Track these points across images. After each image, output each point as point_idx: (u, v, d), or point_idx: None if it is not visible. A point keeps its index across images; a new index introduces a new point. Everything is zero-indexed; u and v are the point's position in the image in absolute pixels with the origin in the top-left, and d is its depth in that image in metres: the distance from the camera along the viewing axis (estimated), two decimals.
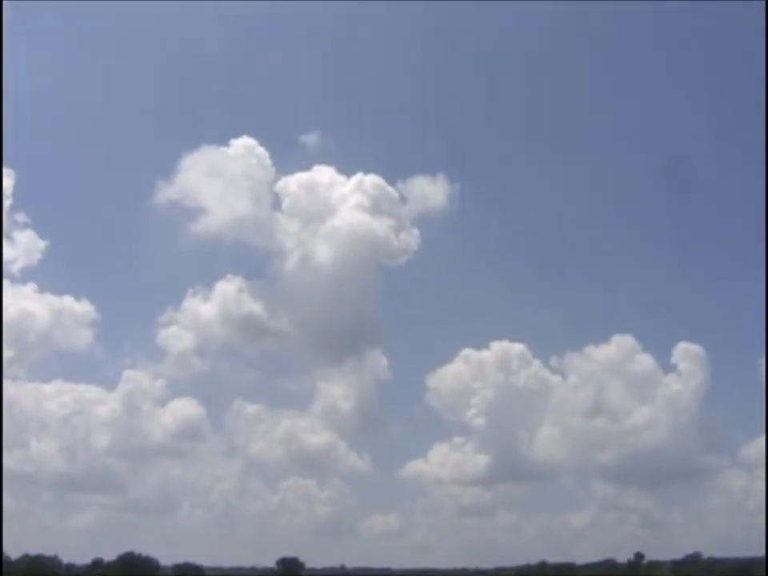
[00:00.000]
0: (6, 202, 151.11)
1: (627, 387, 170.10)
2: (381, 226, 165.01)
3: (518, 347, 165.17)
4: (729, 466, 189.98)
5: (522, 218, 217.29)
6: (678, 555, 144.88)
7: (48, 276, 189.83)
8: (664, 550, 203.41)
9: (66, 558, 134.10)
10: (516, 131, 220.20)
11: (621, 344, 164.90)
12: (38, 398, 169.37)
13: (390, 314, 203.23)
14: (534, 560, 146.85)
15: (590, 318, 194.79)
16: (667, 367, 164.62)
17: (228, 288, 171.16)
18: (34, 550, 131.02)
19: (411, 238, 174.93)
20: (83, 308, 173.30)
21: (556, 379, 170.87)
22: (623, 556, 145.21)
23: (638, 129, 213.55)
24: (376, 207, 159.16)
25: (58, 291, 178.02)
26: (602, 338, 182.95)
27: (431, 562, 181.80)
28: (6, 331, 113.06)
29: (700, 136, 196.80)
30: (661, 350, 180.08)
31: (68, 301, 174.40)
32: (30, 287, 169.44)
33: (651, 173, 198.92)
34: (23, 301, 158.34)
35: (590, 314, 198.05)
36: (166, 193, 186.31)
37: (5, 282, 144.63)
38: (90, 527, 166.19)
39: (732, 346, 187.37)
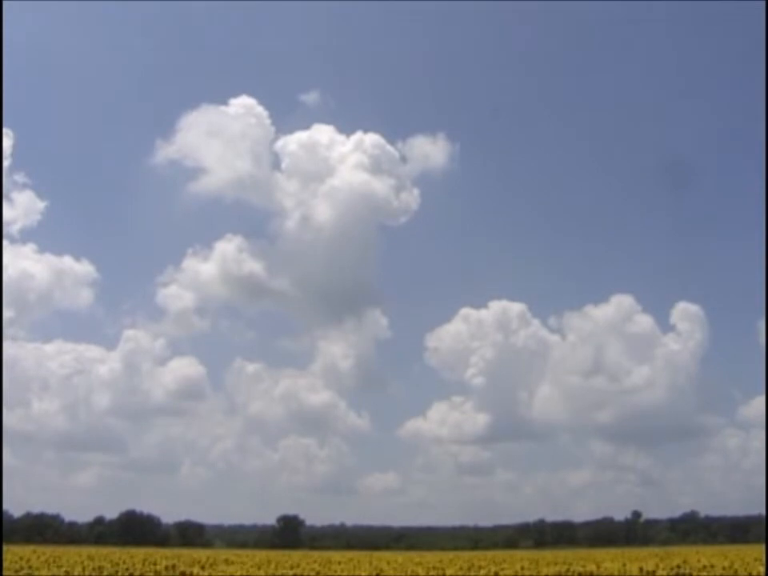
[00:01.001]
0: (5, 163, 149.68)
1: (626, 347, 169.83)
2: (381, 185, 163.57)
3: (517, 307, 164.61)
4: (726, 425, 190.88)
5: (522, 178, 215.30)
6: (675, 514, 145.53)
7: (47, 236, 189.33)
8: (661, 508, 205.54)
9: (67, 516, 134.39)
10: (517, 91, 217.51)
11: (620, 304, 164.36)
12: (38, 357, 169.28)
13: (389, 274, 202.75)
14: (532, 518, 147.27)
15: (590, 278, 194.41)
16: (666, 327, 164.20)
17: (228, 248, 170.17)
18: (36, 509, 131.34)
19: (411, 197, 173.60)
20: (83, 268, 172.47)
21: (555, 339, 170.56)
22: (621, 514, 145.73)
23: (640, 91, 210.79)
24: (376, 167, 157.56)
25: (58, 251, 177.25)
26: (602, 297, 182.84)
27: (430, 520, 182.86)
28: (5, 291, 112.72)
29: (699, 111, 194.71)
30: (660, 310, 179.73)
31: (68, 261, 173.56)
32: (30, 248, 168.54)
33: (653, 133, 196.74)
34: (23, 261, 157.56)
35: (589, 274, 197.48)
36: (166, 152, 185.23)
37: (4, 243, 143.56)
38: (91, 486, 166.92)
39: (731, 307, 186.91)
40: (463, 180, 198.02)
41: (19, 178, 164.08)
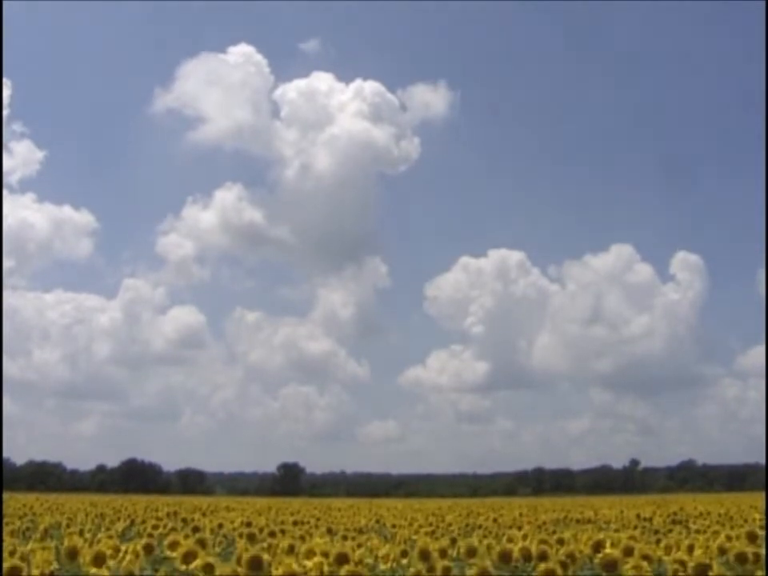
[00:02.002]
0: (3, 112, 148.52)
1: (625, 296, 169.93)
2: (381, 133, 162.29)
3: (516, 255, 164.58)
4: (724, 375, 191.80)
5: (523, 126, 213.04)
6: (673, 462, 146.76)
7: (47, 186, 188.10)
8: (659, 456, 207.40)
9: (69, 465, 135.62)
10: (518, 39, 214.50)
11: (620, 253, 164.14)
12: (38, 307, 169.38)
13: (389, 222, 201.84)
14: (530, 466, 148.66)
15: (589, 227, 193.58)
16: (666, 277, 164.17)
17: (227, 196, 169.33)
18: (38, 457, 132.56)
19: (412, 146, 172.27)
20: (83, 217, 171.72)
21: (554, 288, 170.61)
22: (619, 462, 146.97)
23: (641, 43, 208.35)
24: (376, 115, 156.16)
25: (57, 201, 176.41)
26: (601, 247, 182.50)
27: (429, 468, 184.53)
28: (5, 241, 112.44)
29: (703, 58, 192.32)
30: (659, 259, 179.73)
31: (67, 210, 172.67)
32: (29, 197, 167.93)
33: (653, 81, 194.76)
34: (22, 211, 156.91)
35: (589, 223, 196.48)
36: (164, 101, 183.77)
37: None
38: (92, 434, 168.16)
39: (731, 257, 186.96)
40: (464, 129, 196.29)
41: (17, 127, 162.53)
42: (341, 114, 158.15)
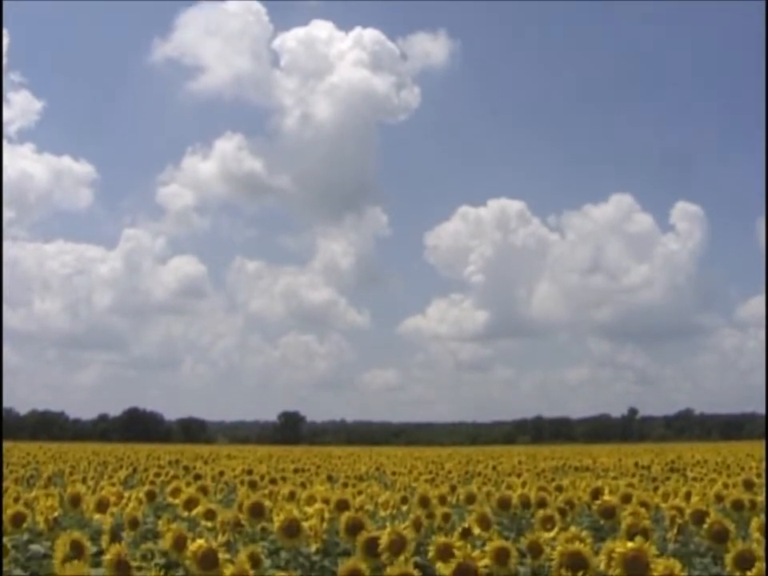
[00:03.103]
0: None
1: (625, 246, 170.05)
2: (381, 82, 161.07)
3: (516, 205, 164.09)
4: (723, 325, 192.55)
5: (523, 76, 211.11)
6: (671, 411, 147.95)
7: (45, 137, 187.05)
8: (657, 405, 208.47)
9: (72, 414, 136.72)
10: None
11: (619, 203, 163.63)
12: (39, 258, 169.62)
13: (389, 172, 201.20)
14: (530, 414, 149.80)
15: (590, 176, 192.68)
16: (665, 227, 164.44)
17: (227, 146, 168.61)
18: (41, 406, 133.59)
19: (412, 95, 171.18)
20: (82, 168, 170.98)
21: (554, 237, 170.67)
22: (617, 411, 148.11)
23: None
24: (376, 64, 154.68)
25: (57, 152, 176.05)
26: (601, 196, 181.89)
27: (429, 416, 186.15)
28: (4, 192, 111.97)
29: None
30: (659, 209, 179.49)
31: (67, 161, 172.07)
32: (28, 148, 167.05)
33: (654, 31, 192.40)
34: (21, 161, 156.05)
35: (589, 172, 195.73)
36: (163, 51, 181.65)
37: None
38: (94, 383, 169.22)
39: (731, 206, 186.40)
40: (464, 78, 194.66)
41: (15, 77, 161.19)
42: (341, 62, 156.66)
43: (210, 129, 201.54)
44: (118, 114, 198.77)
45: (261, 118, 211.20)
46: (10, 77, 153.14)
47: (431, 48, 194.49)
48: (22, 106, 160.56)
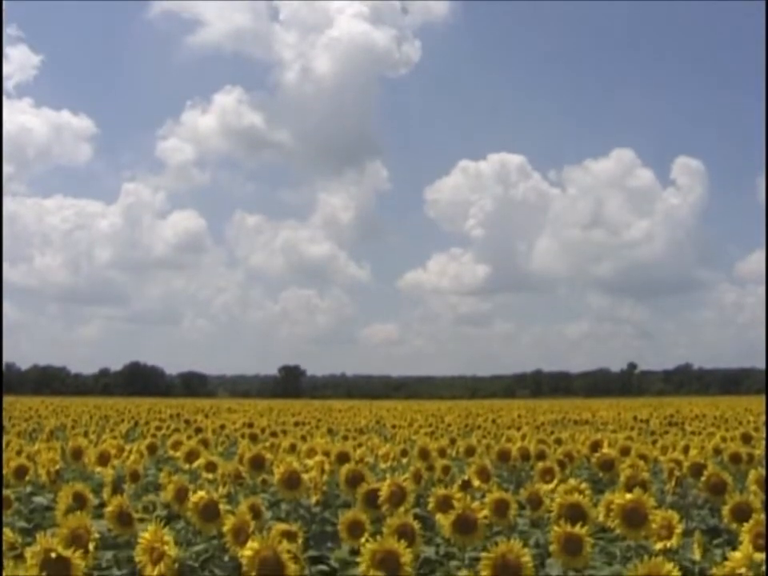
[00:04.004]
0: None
1: (626, 201, 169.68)
2: (381, 36, 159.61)
3: (516, 159, 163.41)
4: (723, 280, 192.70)
5: (524, 31, 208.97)
6: (670, 365, 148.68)
7: (44, 91, 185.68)
8: (656, 360, 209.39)
9: (73, 369, 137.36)
10: None
11: (620, 158, 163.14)
12: (39, 213, 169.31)
13: (389, 126, 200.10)
14: (529, 369, 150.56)
15: (590, 131, 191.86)
16: (666, 182, 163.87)
17: (227, 100, 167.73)
18: (42, 361, 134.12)
19: (412, 49, 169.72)
20: (81, 123, 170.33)
21: (555, 192, 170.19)
22: (617, 365, 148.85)
23: None
24: (376, 17, 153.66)
25: (55, 106, 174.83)
26: (602, 151, 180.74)
27: (429, 370, 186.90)
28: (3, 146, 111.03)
29: None
30: (660, 164, 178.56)
31: (66, 116, 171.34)
32: (26, 102, 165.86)
33: None
34: (20, 116, 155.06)
35: (590, 127, 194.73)
36: (162, 4, 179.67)
37: None
38: (95, 338, 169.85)
39: (731, 162, 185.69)
40: (465, 32, 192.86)
41: (12, 31, 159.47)
42: (341, 16, 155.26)
43: (210, 83, 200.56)
44: (117, 67, 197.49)
45: (260, 72, 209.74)
46: (7, 31, 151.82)
47: (432, 2, 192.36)
48: (20, 60, 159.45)
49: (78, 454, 7.16)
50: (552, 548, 3.72)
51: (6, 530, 3.74)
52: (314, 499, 5.95)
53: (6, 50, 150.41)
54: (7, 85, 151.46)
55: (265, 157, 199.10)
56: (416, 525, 3.80)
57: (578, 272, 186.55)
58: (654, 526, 3.96)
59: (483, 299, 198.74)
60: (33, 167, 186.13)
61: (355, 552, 3.89)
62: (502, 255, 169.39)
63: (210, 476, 6.29)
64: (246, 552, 3.19)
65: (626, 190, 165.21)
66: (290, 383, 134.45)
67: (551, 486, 5.57)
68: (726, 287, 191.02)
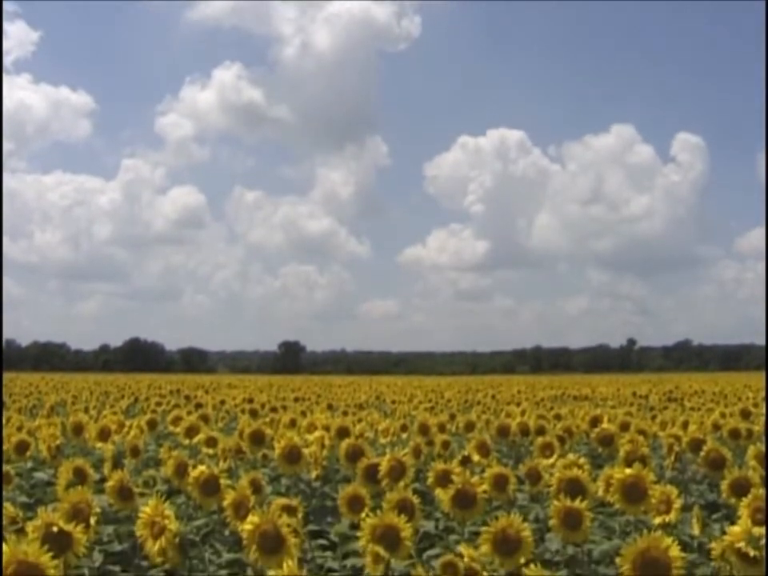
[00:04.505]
0: None
1: (626, 177, 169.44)
2: (381, 11, 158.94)
3: (516, 135, 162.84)
4: (722, 256, 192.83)
5: (525, 6, 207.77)
6: (670, 342, 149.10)
7: (42, 67, 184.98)
8: (656, 336, 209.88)
9: (73, 345, 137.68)
10: None
11: (620, 134, 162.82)
12: (38, 189, 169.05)
13: (389, 101, 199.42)
14: (529, 344, 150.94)
15: (591, 106, 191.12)
16: (666, 158, 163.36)
17: (226, 75, 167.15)
18: (43, 338, 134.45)
19: (412, 25, 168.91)
20: (80, 99, 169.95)
21: (555, 168, 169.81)
22: (616, 341, 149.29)
23: None
24: None
25: (54, 82, 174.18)
26: (602, 127, 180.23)
27: (429, 346, 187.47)
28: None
29: None
30: (660, 140, 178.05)
31: (64, 92, 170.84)
32: (25, 78, 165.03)
33: None
34: (19, 92, 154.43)
35: (590, 102, 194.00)
36: None
37: None
38: (95, 314, 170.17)
39: (732, 138, 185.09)
40: (464, 8, 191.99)
41: (10, 6, 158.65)
42: None
43: (209, 58, 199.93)
44: (116, 43, 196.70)
45: (260, 48, 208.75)
46: (4, 7, 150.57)
47: None
48: (18, 36, 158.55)
49: (78, 429, 7.18)
50: (551, 522, 3.73)
51: (8, 505, 3.75)
52: (314, 474, 5.97)
53: (4, 25, 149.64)
54: (6, 61, 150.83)
55: (264, 132, 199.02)
56: (415, 499, 3.81)
57: (578, 248, 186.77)
58: (653, 500, 3.97)
59: (483, 275, 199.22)
60: (32, 143, 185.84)
61: (355, 526, 3.90)
62: (501, 231, 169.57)
63: (211, 451, 6.30)
64: (247, 526, 3.20)
65: (626, 166, 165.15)
66: (290, 359, 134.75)
67: (550, 460, 5.58)
68: (726, 263, 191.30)
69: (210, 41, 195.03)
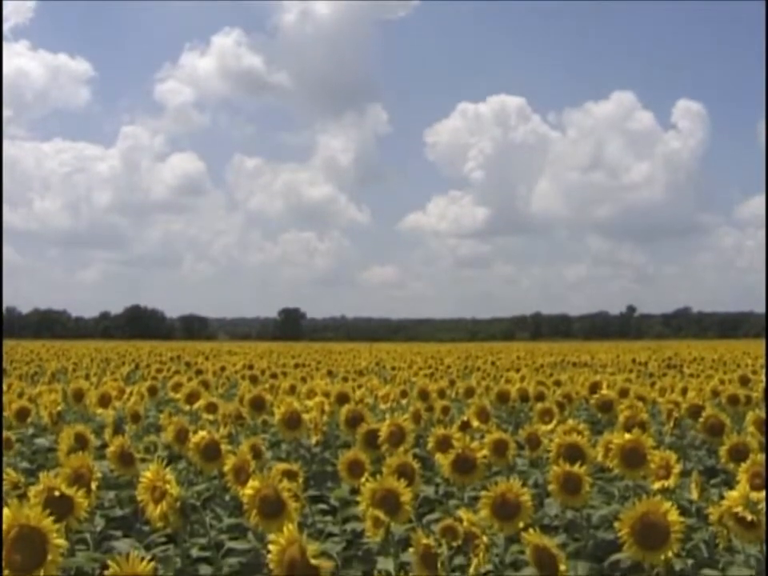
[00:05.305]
0: None
1: (626, 144, 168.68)
2: None
3: (516, 101, 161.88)
4: (722, 224, 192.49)
5: None
6: (669, 309, 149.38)
7: (41, 34, 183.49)
8: (655, 303, 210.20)
9: (74, 312, 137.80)
10: None
11: (621, 100, 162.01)
12: (37, 156, 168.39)
13: (389, 68, 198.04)
14: (529, 311, 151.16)
15: (591, 73, 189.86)
16: (667, 125, 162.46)
17: (226, 42, 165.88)
18: (43, 305, 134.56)
19: None
20: (79, 66, 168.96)
21: (555, 134, 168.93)
22: (616, 309, 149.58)
23: None
24: None
25: (52, 49, 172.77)
26: (602, 94, 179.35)
27: (429, 312, 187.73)
28: None
29: None
30: (661, 107, 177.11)
31: (63, 59, 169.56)
32: (23, 44, 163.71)
33: None
34: (17, 59, 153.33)
35: (590, 69, 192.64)
36: None
37: None
38: (96, 282, 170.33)
39: (733, 106, 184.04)
40: None
41: None
42: None
43: (208, 24, 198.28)
44: (114, 10, 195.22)
45: (259, 14, 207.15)
46: None
47: None
48: (16, 2, 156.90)
49: (79, 396, 7.20)
50: (551, 487, 3.75)
51: (9, 470, 3.76)
52: (314, 439, 5.99)
53: None
54: (3, 28, 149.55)
55: (264, 99, 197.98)
56: (415, 464, 3.83)
57: (578, 215, 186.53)
58: (652, 466, 3.99)
59: (483, 241, 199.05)
60: (31, 111, 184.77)
61: (355, 491, 3.93)
62: (501, 198, 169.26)
63: (211, 417, 6.32)
64: (247, 491, 3.22)
65: (627, 133, 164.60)
66: (290, 326, 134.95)
67: (550, 426, 5.60)
68: (726, 231, 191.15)
69: (209, 7, 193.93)
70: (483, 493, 3.39)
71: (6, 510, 2.49)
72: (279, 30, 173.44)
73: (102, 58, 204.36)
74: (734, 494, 3.32)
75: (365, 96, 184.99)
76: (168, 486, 3.35)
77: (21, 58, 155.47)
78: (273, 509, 3.17)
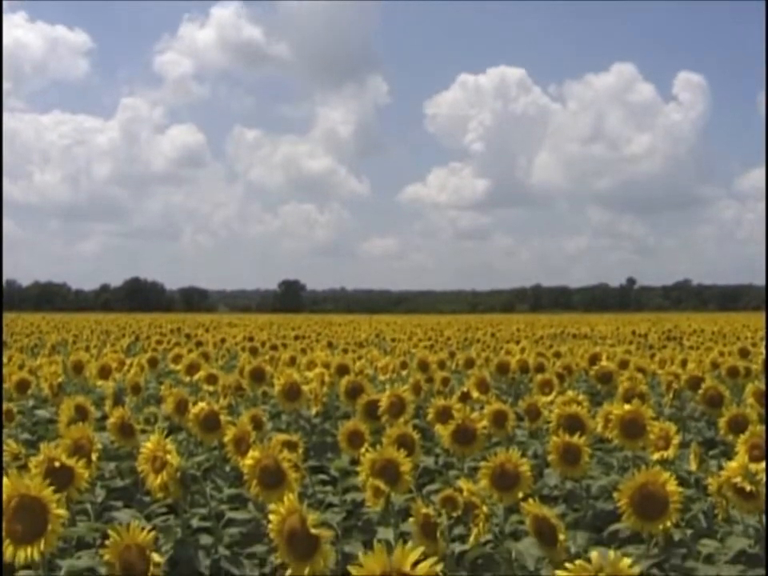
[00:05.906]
0: None
1: (627, 116, 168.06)
2: None
3: (516, 73, 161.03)
4: (722, 197, 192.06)
5: None
6: (669, 281, 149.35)
7: (38, 5, 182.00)
8: (655, 275, 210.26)
9: (74, 285, 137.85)
10: None
11: (621, 72, 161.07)
12: (37, 129, 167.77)
13: (389, 40, 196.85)
14: (529, 283, 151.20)
15: (591, 44, 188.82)
16: (668, 97, 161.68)
17: (225, 13, 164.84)
18: (43, 278, 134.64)
19: None
20: (77, 37, 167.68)
21: (555, 106, 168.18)
22: (616, 281, 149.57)
23: None
24: None
25: (50, 20, 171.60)
26: (603, 66, 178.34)
27: (428, 284, 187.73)
28: None
29: None
30: (662, 79, 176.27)
31: (61, 30, 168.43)
32: (21, 16, 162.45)
33: None
34: (15, 30, 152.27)
35: (591, 40, 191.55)
36: None
37: None
38: (96, 254, 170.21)
39: (733, 78, 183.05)
40: None
41: None
42: None
43: None
44: None
45: None
46: None
47: None
48: None
49: (79, 367, 7.21)
50: (550, 458, 3.76)
51: (10, 441, 3.77)
52: (314, 410, 6.01)
53: None
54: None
55: (264, 71, 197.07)
56: (415, 435, 3.83)
57: (578, 186, 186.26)
58: (651, 437, 4.00)
59: (483, 213, 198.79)
60: (30, 83, 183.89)
61: (355, 462, 3.93)
62: (501, 169, 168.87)
63: (211, 388, 6.33)
64: (248, 461, 3.22)
65: (627, 105, 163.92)
66: (290, 297, 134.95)
67: (549, 397, 5.61)
68: (726, 203, 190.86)
69: None
70: (483, 463, 3.40)
71: (5, 480, 2.50)
72: (279, 2, 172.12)
73: (100, 30, 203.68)
74: (732, 464, 3.33)
75: (365, 67, 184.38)
76: (168, 457, 3.36)
77: (19, 30, 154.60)
78: (273, 479, 3.18)
